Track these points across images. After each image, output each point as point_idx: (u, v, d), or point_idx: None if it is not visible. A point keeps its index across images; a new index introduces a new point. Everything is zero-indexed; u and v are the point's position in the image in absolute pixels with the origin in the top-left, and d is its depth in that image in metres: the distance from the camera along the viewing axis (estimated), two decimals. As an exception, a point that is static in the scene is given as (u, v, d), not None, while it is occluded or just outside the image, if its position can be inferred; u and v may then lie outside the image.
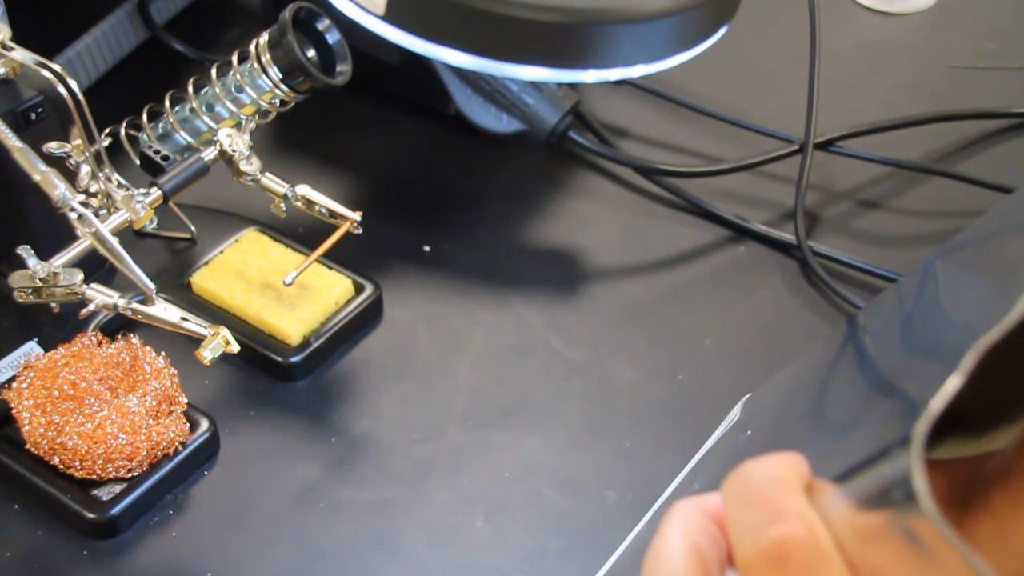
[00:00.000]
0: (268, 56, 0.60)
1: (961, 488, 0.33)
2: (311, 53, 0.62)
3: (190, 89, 0.62)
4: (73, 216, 0.53)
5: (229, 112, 0.62)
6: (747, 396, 0.58)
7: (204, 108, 0.62)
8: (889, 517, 0.26)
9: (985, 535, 0.30)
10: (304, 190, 0.60)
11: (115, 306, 0.53)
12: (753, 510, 0.28)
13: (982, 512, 0.31)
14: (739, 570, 0.28)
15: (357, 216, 0.60)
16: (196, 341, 0.52)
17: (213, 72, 0.62)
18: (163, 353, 0.57)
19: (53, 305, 0.54)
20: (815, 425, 0.41)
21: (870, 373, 0.40)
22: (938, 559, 0.25)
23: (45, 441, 0.53)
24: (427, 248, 0.69)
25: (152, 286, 0.53)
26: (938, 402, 0.25)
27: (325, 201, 0.60)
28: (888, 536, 0.26)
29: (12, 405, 0.54)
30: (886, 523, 0.26)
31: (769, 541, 0.27)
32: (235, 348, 0.53)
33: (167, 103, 0.63)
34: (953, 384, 0.26)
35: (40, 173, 0.53)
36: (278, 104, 0.62)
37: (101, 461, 0.53)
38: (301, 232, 0.67)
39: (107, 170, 0.56)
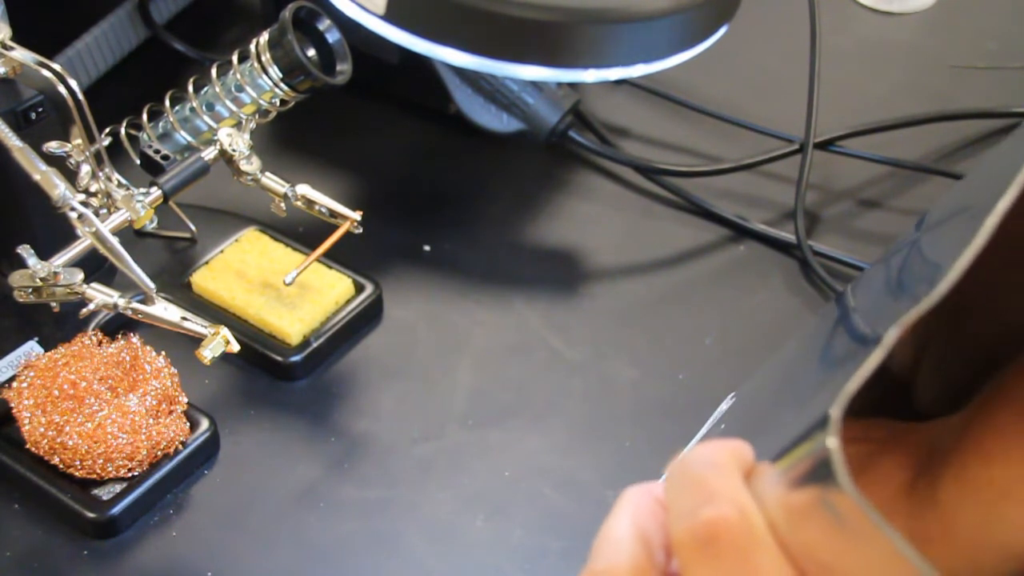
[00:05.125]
0: (268, 55, 0.60)
1: (910, 483, 0.33)
2: (311, 53, 0.62)
3: (190, 89, 0.62)
4: (73, 216, 0.53)
5: (229, 111, 0.62)
6: (733, 393, 0.58)
7: (204, 107, 0.62)
8: (816, 495, 0.26)
9: (933, 531, 0.31)
10: (304, 190, 0.60)
11: (115, 306, 0.53)
12: (688, 493, 0.29)
13: (930, 505, 0.31)
14: (674, 552, 0.29)
15: (357, 216, 0.60)
16: (196, 341, 0.52)
17: (213, 72, 0.62)
18: (163, 353, 0.57)
19: (53, 305, 0.54)
20: (778, 408, 0.41)
21: (848, 328, 0.40)
22: (859, 534, 0.25)
23: (45, 441, 0.53)
24: (427, 248, 0.69)
25: (152, 286, 0.53)
26: (855, 383, 0.26)
27: (325, 201, 0.60)
28: (816, 514, 0.26)
29: (12, 405, 0.54)
30: (814, 501, 0.26)
31: (700, 523, 0.28)
32: (235, 348, 0.53)
33: (167, 103, 0.63)
34: (873, 362, 0.26)
35: (40, 172, 0.53)
36: (278, 104, 0.62)
37: (101, 461, 0.53)
38: (301, 232, 0.67)
39: (107, 170, 0.56)
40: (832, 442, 0.25)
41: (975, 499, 0.30)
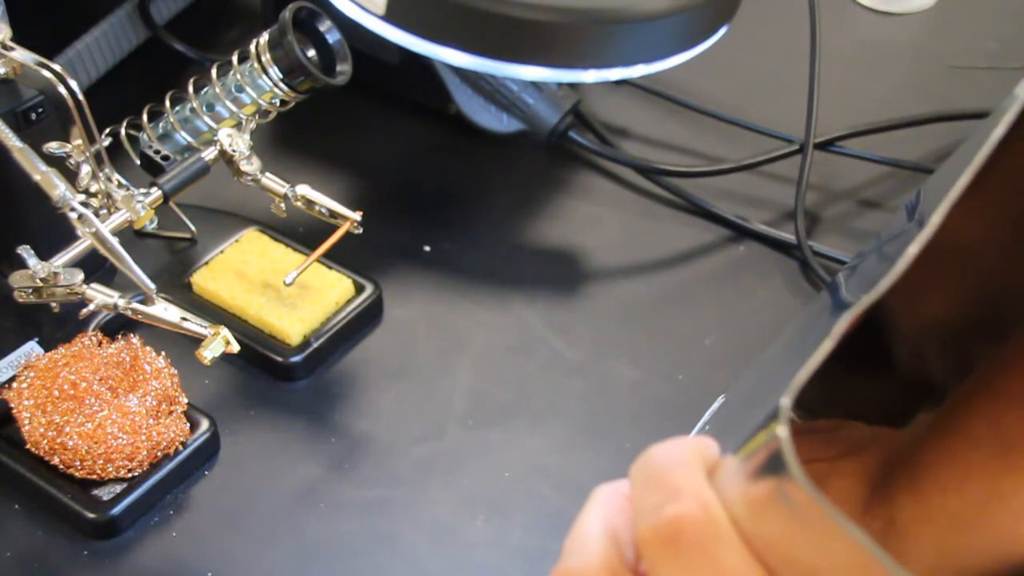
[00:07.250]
0: (268, 56, 0.60)
1: (867, 501, 0.33)
2: (311, 53, 0.62)
3: (190, 89, 0.62)
4: (73, 216, 0.53)
5: (229, 112, 0.62)
6: (723, 395, 0.58)
7: (204, 108, 0.62)
8: (773, 486, 0.26)
9: (890, 551, 0.31)
10: (304, 190, 0.60)
11: (115, 306, 0.53)
12: (651, 491, 0.29)
13: (887, 526, 0.31)
14: (639, 549, 0.29)
15: (357, 216, 0.60)
16: (196, 341, 0.52)
17: (213, 72, 0.62)
18: (163, 353, 0.57)
19: (53, 305, 0.54)
20: (755, 402, 0.41)
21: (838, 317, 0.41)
22: (813, 523, 0.25)
23: (45, 441, 0.54)
24: (427, 248, 0.69)
25: (152, 286, 0.53)
26: (804, 373, 0.26)
27: (325, 201, 0.60)
28: (774, 506, 0.26)
29: (12, 405, 0.54)
30: (771, 493, 0.26)
31: (663, 519, 0.28)
32: (235, 348, 0.53)
33: (167, 103, 0.63)
34: (821, 353, 0.26)
35: (40, 173, 0.53)
36: (278, 104, 0.62)
37: (101, 461, 0.53)
38: (301, 232, 0.67)
39: (107, 170, 0.56)
40: (782, 431, 0.25)
41: (931, 526, 0.30)
